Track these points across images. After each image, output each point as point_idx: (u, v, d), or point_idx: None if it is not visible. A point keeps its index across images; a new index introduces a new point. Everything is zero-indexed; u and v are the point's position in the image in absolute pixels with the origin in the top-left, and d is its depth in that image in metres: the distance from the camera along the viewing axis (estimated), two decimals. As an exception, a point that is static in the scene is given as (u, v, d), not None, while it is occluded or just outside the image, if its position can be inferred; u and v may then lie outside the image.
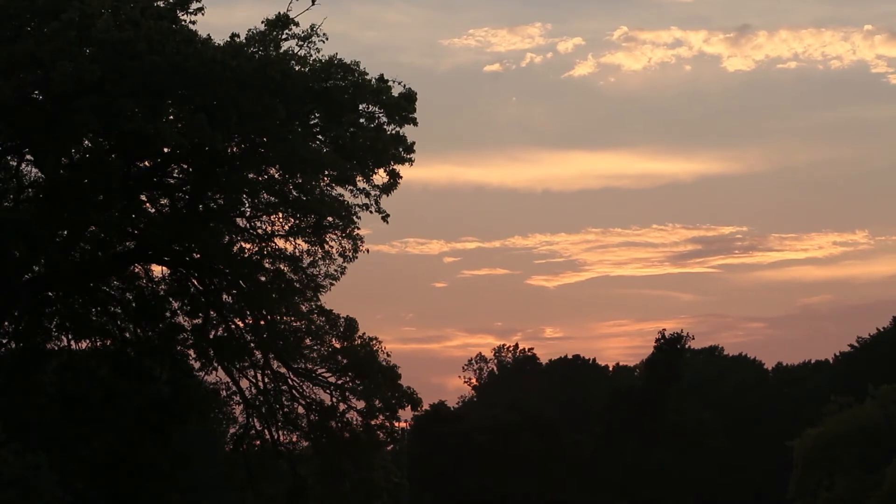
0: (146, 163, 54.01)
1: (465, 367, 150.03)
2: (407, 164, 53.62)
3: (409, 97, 52.75)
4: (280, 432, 58.42)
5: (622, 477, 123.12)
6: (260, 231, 55.35)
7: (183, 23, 49.64)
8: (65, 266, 53.81)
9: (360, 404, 57.09)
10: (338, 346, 56.67)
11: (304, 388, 57.38)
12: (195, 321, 57.35)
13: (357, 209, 54.44)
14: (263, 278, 55.77)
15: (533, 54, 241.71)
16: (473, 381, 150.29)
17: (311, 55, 51.36)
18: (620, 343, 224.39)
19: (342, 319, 56.55)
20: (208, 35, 50.25)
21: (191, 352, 57.69)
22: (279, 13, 51.01)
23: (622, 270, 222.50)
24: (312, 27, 51.25)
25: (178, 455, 58.45)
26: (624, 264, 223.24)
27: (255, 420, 58.43)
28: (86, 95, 47.27)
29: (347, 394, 57.16)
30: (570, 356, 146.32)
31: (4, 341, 54.92)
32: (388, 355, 56.89)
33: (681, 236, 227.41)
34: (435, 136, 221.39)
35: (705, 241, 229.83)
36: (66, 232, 53.32)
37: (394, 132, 53.02)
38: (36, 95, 49.43)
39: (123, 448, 55.38)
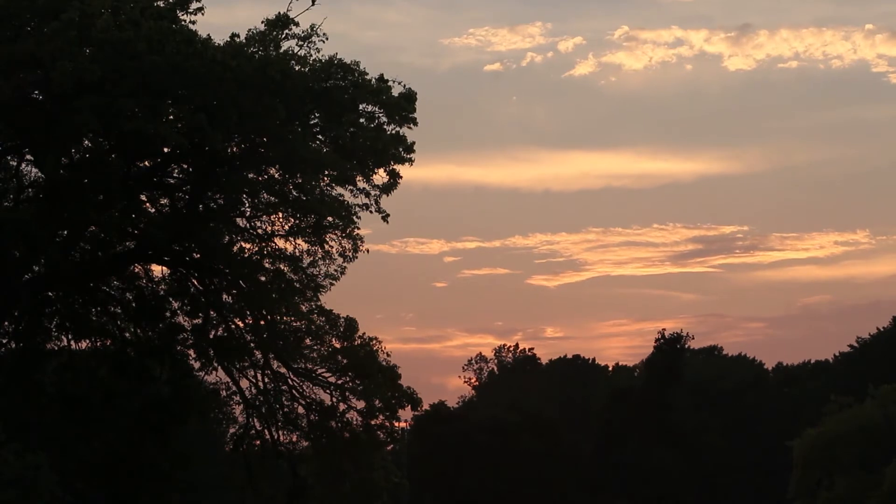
0: (146, 163, 54.02)
1: (466, 367, 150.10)
2: (407, 164, 53.66)
3: (408, 97, 52.77)
4: (280, 432, 58.43)
5: (622, 477, 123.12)
6: (260, 231, 55.37)
7: (183, 23, 49.67)
8: (65, 266, 53.81)
9: (360, 404, 57.11)
10: (338, 346, 56.67)
11: (304, 388, 57.41)
12: (195, 321, 57.36)
13: (357, 209, 54.50)
14: (263, 278, 55.77)
15: (533, 54, 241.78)
16: (473, 380, 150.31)
17: (311, 55, 51.43)
18: (620, 343, 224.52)
19: (342, 319, 56.55)
20: (208, 35, 50.34)
21: (191, 352, 57.73)
22: (279, 13, 51.06)
23: (623, 270, 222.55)
24: (312, 27, 51.34)
25: (178, 455, 58.45)
26: (624, 264, 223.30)
27: (255, 420, 58.44)
28: (86, 95, 47.27)
29: (347, 394, 57.16)
30: (570, 356, 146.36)
31: (4, 341, 54.94)
32: (388, 355, 56.98)
33: (681, 236, 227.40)
34: (435, 136, 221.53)
35: (706, 240, 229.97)
36: (66, 232, 53.33)
37: (394, 132, 53.04)
38: (36, 95, 49.44)
39: (123, 448, 55.39)
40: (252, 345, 57.10)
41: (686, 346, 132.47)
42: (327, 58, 51.57)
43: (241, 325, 57.24)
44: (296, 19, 51.11)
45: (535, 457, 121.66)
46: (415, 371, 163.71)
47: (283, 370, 57.25)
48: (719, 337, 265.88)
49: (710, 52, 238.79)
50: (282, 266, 55.79)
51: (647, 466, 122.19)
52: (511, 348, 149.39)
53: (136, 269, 57.82)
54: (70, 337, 57.21)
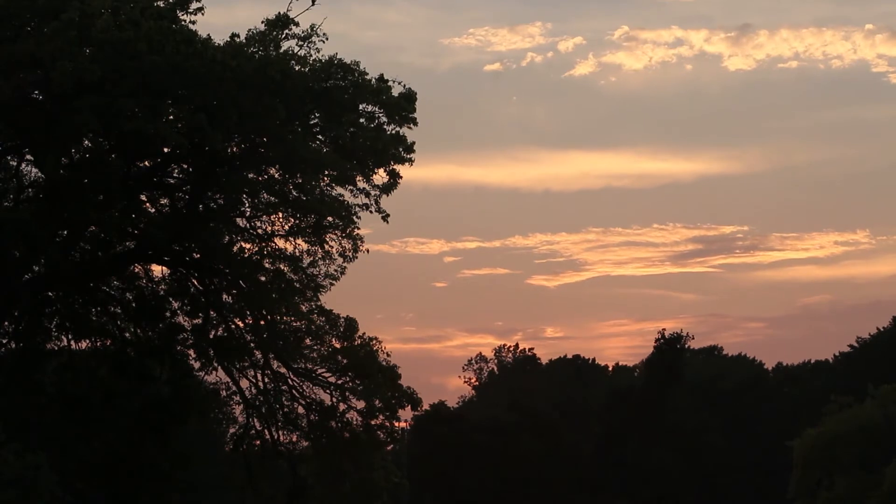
0: (146, 163, 54.02)
1: (465, 367, 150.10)
2: (407, 164, 53.66)
3: (408, 97, 52.77)
4: (280, 432, 58.43)
5: (622, 477, 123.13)
6: (260, 231, 55.37)
7: (183, 23, 49.66)
8: (65, 266, 53.81)
9: (360, 404, 57.11)
10: (338, 346, 56.67)
11: (304, 388, 57.40)
12: (195, 321, 57.36)
13: (357, 209, 54.50)
14: (263, 278, 55.77)
15: (533, 54, 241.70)
16: (473, 380, 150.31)
17: (311, 55, 51.44)
18: (620, 343, 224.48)
19: (342, 319, 56.55)
20: (208, 35, 50.34)
21: (191, 352, 57.73)
22: (279, 13, 51.05)
23: (623, 270, 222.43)
24: (312, 27, 51.36)
25: (178, 455, 58.45)
26: (624, 264, 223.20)
27: (255, 420, 58.44)
28: (86, 95, 47.27)
29: (347, 394, 57.16)
30: (570, 356, 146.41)
31: (4, 341, 54.94)
32: (388, 355, 56.98)
33: (681, 236, 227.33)
34: (435, 136, 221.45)
35: (706, 240, 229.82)
36: (66, 232, 53.34)
37: (394, 132, 53.05)
38: (36, 95, 49.43)
39: (123, 448, 55.40)
40: (252, 345, 57.10)
41: (686, 346, 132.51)
42: (327, 58, 51.60)
43: (241, 325, 57.24)
44: (296, 19, 51.19)
45: (535, 457, 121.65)
46: (415, 371, 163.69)
47: (283, 370, 57.25)
48: (719, 337, 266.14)
49: (710, 52, 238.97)
50: (282, 266, 55.80)
51: (647, 466, 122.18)
52: (511, 348, 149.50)
53: (136, 269, 57.82)
54: (70, 337, 57.23)
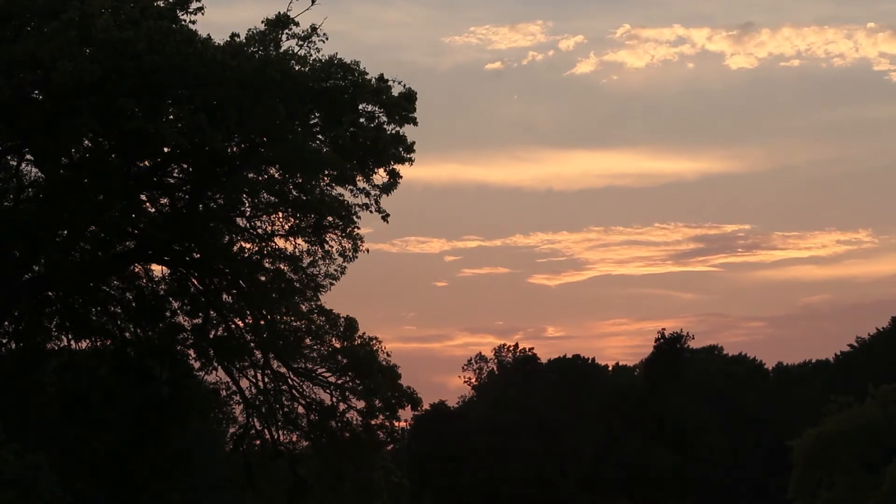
0: (146, 163, 54.01)
1: (465, 367, 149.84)
2: (407, 163, 53.65)
3: (408, 97, 52.76)
4: (280, 432, 58.43)
5: (622, 477, 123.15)
6: (260, 231, 55.38)
7: (183, 23, 49.63)
8: (65, 266, 53.83)
9: (360, 404, 57.09)
10: (338, 345, 56.65)
11: (304, 387, 57.39)
12: (195, 321, 57.39)
13: (357, 209, 54.50)
14: (263, 278, 55.78)
15: (535, 52, 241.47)
16: (473, 380, 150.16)
17: (311, 55, 51.40)
18: (621, 342, 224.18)
19: (342, 319, 56.54)
20: (208, 35, 50.31)
21: (191, 352, 57.77)
22: (279, 13, 51.03)
23: (624, 269, 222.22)
24: (312, 27, 51.30)
25: (178, 455, 58.49)
26: (626, 263, 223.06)
27: (255, 420, 58.45)
28: (86, 95, 47.27)
29: (347, 394, 57.15)
30: (570, 356, 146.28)
31: (4, 341, 54.97)
32: (388, 355, 56.96)
33: (683, 235, 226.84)
34: (436, 135, 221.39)
35: (707, 239, 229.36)
36: (66, 232, 53.35)
37: (394, 132, 53.03)
38: (36, 95, 49.42)
39: (123, 448, 55.44)
40: (252, 345, 57.11)
41: (686, 345, 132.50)
42: (327, 58, 51.57)
43: (241, 325, 57.25)
44: (296, 19, 51.16)
45: (535, 457, 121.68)
46: (415, 370, 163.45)
47: (283, 370, 57.25)
48: (719, 336, 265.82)
49: (712, 50, 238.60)
50: (282, 266, 55.81)
51: (647, 466, 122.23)
52: (511, 348, 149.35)
53: (136, 269, 57.85)
54: (70, 337, 57.28)
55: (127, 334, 58.45)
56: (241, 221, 55.29)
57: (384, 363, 56.59)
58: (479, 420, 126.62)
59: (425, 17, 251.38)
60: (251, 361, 57.41)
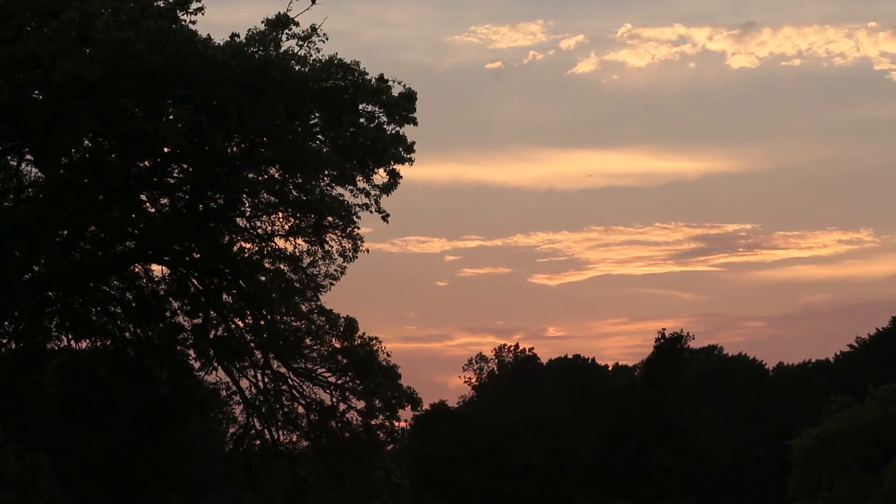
0: (146, 163, 54.01)
1: (466, 367, 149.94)
2: (407, 163, 53.67)
3: (408, 97, 52.77)
4: (280, 432, 58.45)
5: (622, 477, 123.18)
6: (260, 231, 55.39)
7: (183, 23, 49.64)
8: (65, 266, 53.85)
9: (360, 404, 57.10)
10: (338, 345, 56.66)
11: (304, 388, 57.40)
12: (195, 321, 57.41)
13: (357, 209, 54.52)
14: (263, 278, 55.80)
15: (535, 52, 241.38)
16: (473, 380, 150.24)
17: (311, 55, 51.41)
18: (621, 342, 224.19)
19: (342, 319, 56.56)
20: (208, 35, 50.33)
21: (191, 352, 57.79)
22: (279, 13, 51.04)
23: (624, 269, 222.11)
24: (312, 27, 51.31)
25: (178, 455, 58.51)
26: (626, 263, 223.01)
27: (255, 420, 58.46)
28: (86, 95, 47.27)
29: (347, 394, 57.17)
30: (570, 356, 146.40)
31: (4, 341, 54.99)
32: (389, 355, 56.97)
33: (684, 234, 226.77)
34: (437, 134, 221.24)
35: (708, 239, 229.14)
36: (66, 232, 53.37)
37: (394, 132, 53.05)
38: (36, 95, 49.42)
39: (123, 448, 55.46)
40: (252, 345, 57.12)
41: (686, 345, 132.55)
42: (327, 58, 51.58)
43: (241, 325, 57.27)
44: (296, 19, 51.17)
45: (535, 457, 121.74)
46: (416, 370, 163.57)
47: (283, 370, 57.26)
48: (720, 336, 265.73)
49: (713, 50, 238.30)
50: (282, 266, 55.82)
51: (647, 466, 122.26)
52: (511, 348, 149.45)
53: (136, 269, 57.87)
54: (70, 337, 57.31)
55: (127, 334, 58.47)
56: (241, 221, 55.31)
57: (384, 363, 56.61)
58: (479, 420, 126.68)
59: (426, 17, 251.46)
60: (251, 361, 57.42)
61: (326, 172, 53.08)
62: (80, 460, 53.74)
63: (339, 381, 57.03)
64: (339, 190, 54.23)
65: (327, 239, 55.13)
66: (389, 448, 66.59)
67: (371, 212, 54.39)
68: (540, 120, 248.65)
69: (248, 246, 55.78)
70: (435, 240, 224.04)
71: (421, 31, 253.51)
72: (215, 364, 57.45)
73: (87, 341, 57.84)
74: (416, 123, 53.20)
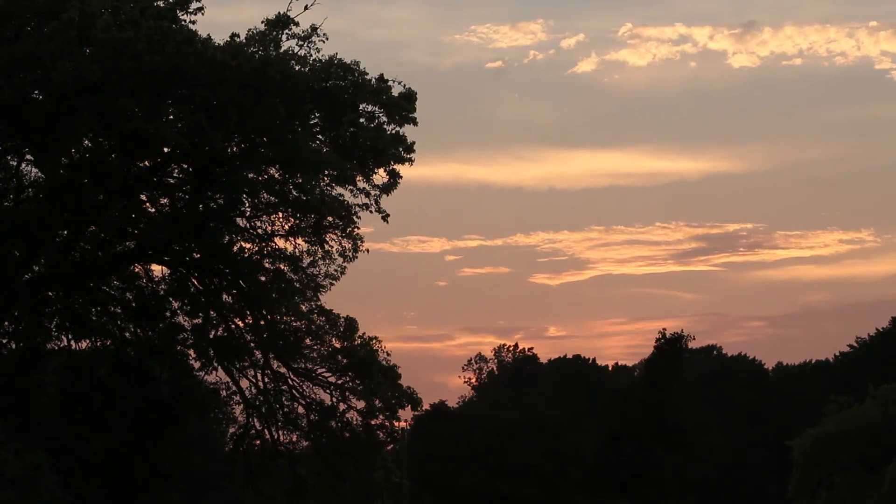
0: (146, 163, 54.02)
1: (465, 367, 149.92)
2: (407, 163, 53.69)
3: (408, 97, 52.78)
4: (280, 432, 58.45)
5: (622, 477, 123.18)
6: (260, 231, 55.40)
7: (183, 23, 49.65)
8: (65, 266, 53.86)
9: (360, 404, 57.12)
10: (338, 345, 56.67)
11: (304, 388, 57.41)
12: (195, 321, 57.41)
13: (357, 209, 54.53)
14: (263, 278, 55.80)
15: (536, 51, 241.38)
16: (473, 380, 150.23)
17: (311, 55, 51.42)
18: (622, 342, 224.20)
19: (342, 319, 56.57)
20: (208, 35, 50.34)
21: (191, 352, 57.79)
22: (279, 13, 51.06)
23: (625, 269, 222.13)
24: (313, 27, 51.32)
25: (178, 455, 58.51)
26: (627, 262, 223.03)
27: (255, 420, 58.47)
28: (86, 95, 47.28)
29: (347, 394, 57.18)
30: (569, 356, 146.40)
31: (4, 341, 54.99)
32: (389, 355, 56.98)
33: (684, 234, 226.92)
34: (437, 134, 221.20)
35: (709, 239, 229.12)
36: (66, 232, 53.38)
37: (394, 132, 53.06)
38: (36, 95, 49.42)
39: (123, 448, 55.46)
40: (252, 345, 57.13)
41: (686, 345, 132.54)
42: (327, 58, 51.60)
43: (241, 325, 57.27)
44: (296, 19, 51.18)
45: (535, 457, 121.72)
46: (416, 370, 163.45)
47: (283, 370, 57.27)
48: (720, 336, 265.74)
49: (714, 49, 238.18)
50: (282, 266, 55.83)
51: (647, 466, 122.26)
52: (511, 348, 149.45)
53: (136, 269, 57.88)
54: (70, 337, 57.31)
55: (127, 334, 58.48)
56: (241, 221, 55.32)
57: (384, 363, 56.62)
58: (479, 420, 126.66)
59: (426, 17, 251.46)
60: (251, 361, 57.43)
61: (326, 172, 53.09)
62: (80, 460, 53.74)
63: (339, 381, 57.04)
64: (339, 190, 54.31)
65: (327, 239, 55.16)
66: (389, 448, 66.59)
67: (371, 212, 54.46)
68: (540, 119, 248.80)
69: (248, 246, 55.82)
70: (435, 240, 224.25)
71: (421, 31, 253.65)
72: (215, 364, 57.47)
73: (87, 341, 57.86)
74: (416, 123, 53.24)
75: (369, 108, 52.75)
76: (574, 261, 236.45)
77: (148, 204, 55.47)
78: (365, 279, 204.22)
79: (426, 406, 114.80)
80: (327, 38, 51.48)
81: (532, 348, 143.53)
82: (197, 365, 57.65)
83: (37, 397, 54.60)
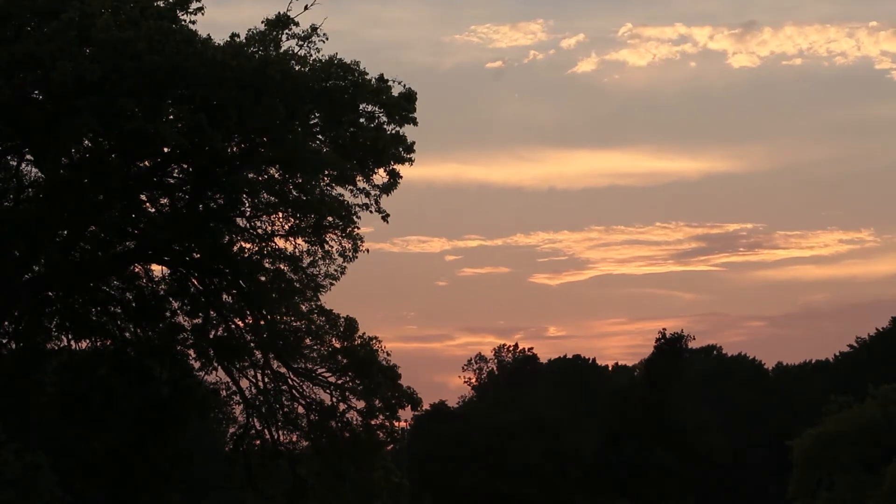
0: (146, 163, 54.03)
1: (465, 367, 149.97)
2: (407, 163, 53.69)
3: (408, 97, 52.79)
4: (280, 432, 58.46)
5: (622, 477, 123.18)
6: (260, 231, 55.40)
7: (183, 23, 49.65)
8: (65, 266, 53.86)
9: (360, 404, 57.12)
10: (338, 345, 56.68)
11: (304, 388, 57.42)
12: (195, 321, 57.41)
13: (357, 209, 54.54)
14: (263, 278, 55.81)
15: (536, 51, 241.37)
16: (473, 380, 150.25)
17: (311, 55, 51.43)
18: (621, 342, 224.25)
19: (342, 319, 56.58)
20: (208, 35, 50.35)
21: (191, 352, 57.79)
22: (279, 13, 51.06)
23: (625, 269, 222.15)
24: (313, 27, 51.33)
25: (178, 455, 58.51)
26: (627, 262, 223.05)
27: (255, 420, 58.48)
28: (86, 95, 47.28)
29: (347, 394, 57.18)
30: (569, 356, 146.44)
31: (4, 341, 54.99)
32: (389, 355, 56.99)
33: (684, 234, 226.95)
34: (437, 134, 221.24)
35: (709, 239, 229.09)
36: (66, 232, 53.38)
37: (394, 132, 53.07)
38: (36, 95, 49.42)
39: (123, 448, 55.46)
40: (252, 345, 57.14)
41: (686, 345, 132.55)
42: (327, 58, 51.61)
43: (241, 325, 57.28)
44: (296, 19, 51.18)
45: (535, 457, 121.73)
46: (416, 370, 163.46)
47: (283, 370, 57.28)
48: (720, 336, 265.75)
49: (714, 49, 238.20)
50: (282, 266, 55.84)
51: (647, 466, 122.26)
52: (510, 348, 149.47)
53: (136, 269, 57.88)
54: (70, 337, 57.31)
55: (127, 334, 58.48)
56: (241, 221, 55.33)
57: (384, 363, 56.63)
58: (479, 420, 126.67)
59: (426, 17, 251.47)
60: (251, 361, 57.44)
61: (326, 172, 53.10)
62: (80, 460, 53.75)
63: (339, 381, 57.05)
64: (339, 190, 54.31)
65: (327, 239, 55.17)
66: (389, 448, 66.61)
67: (371, 212, 54.47)
68: (540, 119, 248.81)
69: (248, 246, 55.83)
70: (435, 239, 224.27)
71: (421, 31, 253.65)
72: (215, 364, 57.48)
73: (87, 341, 57.86)
74: (416, 123, 53.25)
75: (369, 108, 52.76)
76: (574, 261, 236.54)
77: (148, 204, 55.49)
78: (365, 279, 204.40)
79: (426, 406, 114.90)
80: (327, 38, 51.55)
81: (532, 348, 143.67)
82: (197, 365, 57.68)
83: (37, 397, 54.60)
